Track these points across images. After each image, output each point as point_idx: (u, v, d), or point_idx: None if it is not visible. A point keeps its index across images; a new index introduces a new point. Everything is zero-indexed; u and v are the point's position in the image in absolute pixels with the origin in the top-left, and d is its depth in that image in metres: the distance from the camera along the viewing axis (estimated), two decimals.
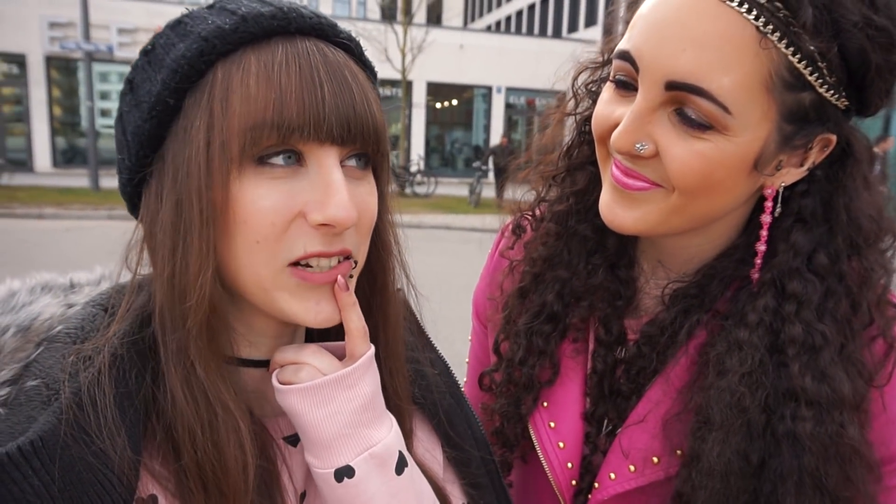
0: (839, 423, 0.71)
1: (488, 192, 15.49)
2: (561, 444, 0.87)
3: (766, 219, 0.77)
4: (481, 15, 42.21)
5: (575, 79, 0.94)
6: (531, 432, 0.90)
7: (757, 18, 0.65)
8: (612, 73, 0.78)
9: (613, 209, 0.78)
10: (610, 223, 0.79)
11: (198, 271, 0.56)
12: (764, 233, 0.77)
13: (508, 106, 22.66)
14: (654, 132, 0.71)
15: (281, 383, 0.63)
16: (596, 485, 0.84)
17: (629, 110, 0.72)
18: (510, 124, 22.86)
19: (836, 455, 0.71)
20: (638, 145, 0.72)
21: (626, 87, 0.75)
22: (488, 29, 38.18)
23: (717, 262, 0.82)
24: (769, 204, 0.76)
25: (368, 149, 0.61)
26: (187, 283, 0.56)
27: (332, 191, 0.57)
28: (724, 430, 0.74)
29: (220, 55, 0.57)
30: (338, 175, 0.58)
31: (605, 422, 0.87)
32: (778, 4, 0.65)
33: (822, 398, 0.71)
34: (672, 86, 0.68)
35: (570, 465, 0.87)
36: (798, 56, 0.66)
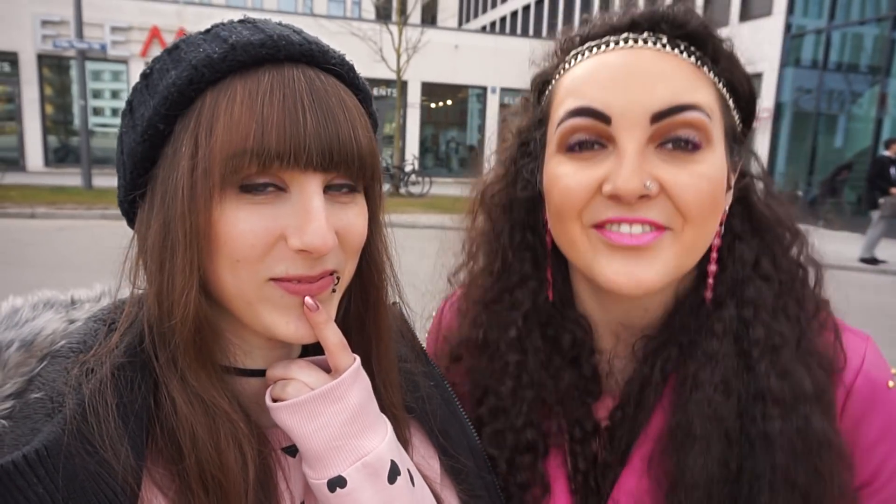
0: (804, 417, 0.73)
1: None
2: None
3: (716, 241, 0.80)
4: (476, 15, 42.26)
5: (482, 198, 0.92)
6: None
7: (689, 56, 0.75)
8: (558, 144, 0.76)
9: (632, 274, 0.73)
10: (633, 290, 0.73)
11: (182, 289, 0.57)
12: (714, 254, 0.81)
13: (503, 106, 22.67)
14: (653, 170, 0.72)
15: (273, 399, 0.64)
16: None
17: (620, 157, 0.71)
18: (504, 125, 22.85)
19: (804, 449, 0.72)
20: (647, 183, 0.71)
21: (589, 147, 0.74)
22: (483, 29, 38.22)
23: (678, 299, 0.84)
24: (720, 228, 0.80)
25: (353, 175, 0.62)
26: (173, 300, 0.58)
27: (310, 218, 0.58)
28: (704, 441, 0.75)
29: (210, 83, 0.58)
30: (317, 202, 0.59)
31: None
32: (692, 48, 0.76)
33: (785, 395, 0.74)
34: (658, 116, 0.71)
35: None
36: (721, 83, 0.77)
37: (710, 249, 0.80)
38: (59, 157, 18.93)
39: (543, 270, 0.89)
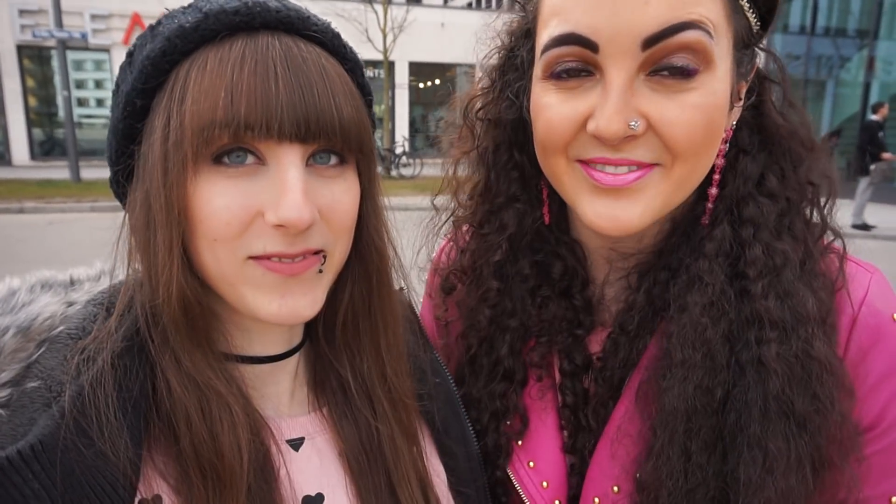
0: (804, 340, 0.69)
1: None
2: (544, 484, 0.83)
3: (719, 162, 0.74)
4: None
5: (466, 112, 0.87)
6: (512, 478, 0.85)
7: None
8: (543, 70, 0.71)
9: (613, 215, 0.70)
10: (613, 230, 0.70)
11: (163, 267, 0.56)
12: (717, 176, 0.75)
13: None
14: (641, 105, 0.66)
15: None
16: None
17: (606, 91, 0.66)
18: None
19: (802, 374, 0.68)
20: (632, 123, 0.65)
21: (576, 74, 0.68)
22: (469, 6, 37.73)
23: (675, 223, 0.79)
24: (724, 147, 0.73)
25: (336, 145, 0.59)
26: (158, 278, 0.57)
27: (285, 190, 0.56)
28: (685, 367, 0.71)
29: (183, 54, 0.57)
30: (293, 174, 0.56)
31: (586, 450, 0.83)
32: None
33: (786, 317, 0.70)
34: (650, 41, 0.63)
35: (557, 502, 0.83)
36: None
37: (712, 171, 0.74)
38: (45, 149, 18.67)
39: (532, 191, 0.85)
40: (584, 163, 0.70)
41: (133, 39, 0.63)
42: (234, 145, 0.56)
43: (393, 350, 0.71)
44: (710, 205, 0.76)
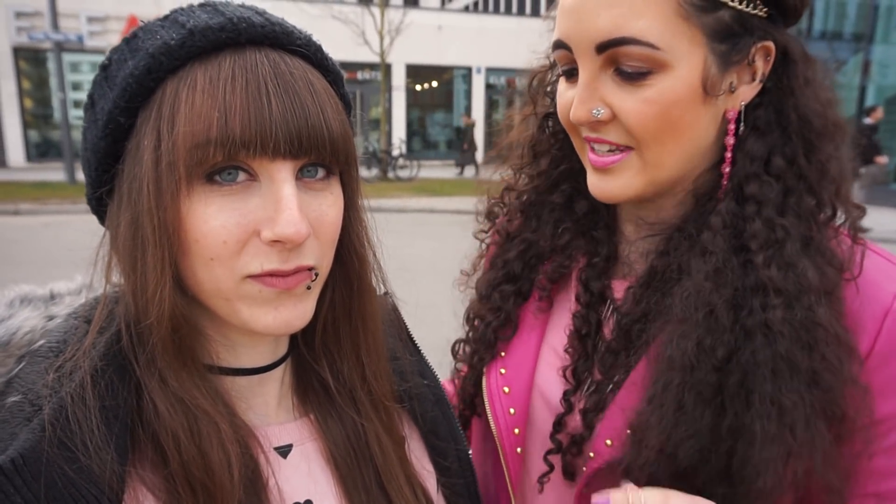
0: (807, 308, 0.72)
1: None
2: (506, 389, 0.89)
3: (729, 140, 0.79)
4: None
5: (530, 84, 1.00)
6: (482, 382, 0.91)
7: None
8: (559, 69, 0.84)
9: (599, 185, 0.83)
10: (602, 198, 0.84)
11: (155, 288, 0.56)
12: (728, 154, 0.80)
13: (489, 86, 22.54)
14: (605, 96, 0.76)
15: None
16: (591, 454, 0.82)
17: (578, 85, 0.78)
18: (491, 104, 22.77)
19: (808, 338, 0.71)
20: (594, 111, 0.77)
21: (572, 73, 0.81)
22: (466, 9, 37.78)
23: (695, 196, 0.83)
24: (732, 126, 0.79)
25: (325, 159, 0.60)
26: (147, 298, 0.56)
27: (281, 206, 0.56)
28: (685, 324, 0.75)
29: (169, 71, 0.56)
30: (288, 190, 0.56)
31: (590, 382, 0.86)
32: None
33: (789, 286, 0.73)
34: (601, 47, 0.74)
35: (517, 430, 0.88)
36: None
37: (725, 148, 0.80)
38: (40, 151, 18.63)
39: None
40: (587, 140, 0.82)
41: None
42: (227, 163, 0.56)
43: (372, 353, 0.72)
44: (724, 182, 0.81)
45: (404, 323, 0.86)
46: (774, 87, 0.79)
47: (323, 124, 0.58)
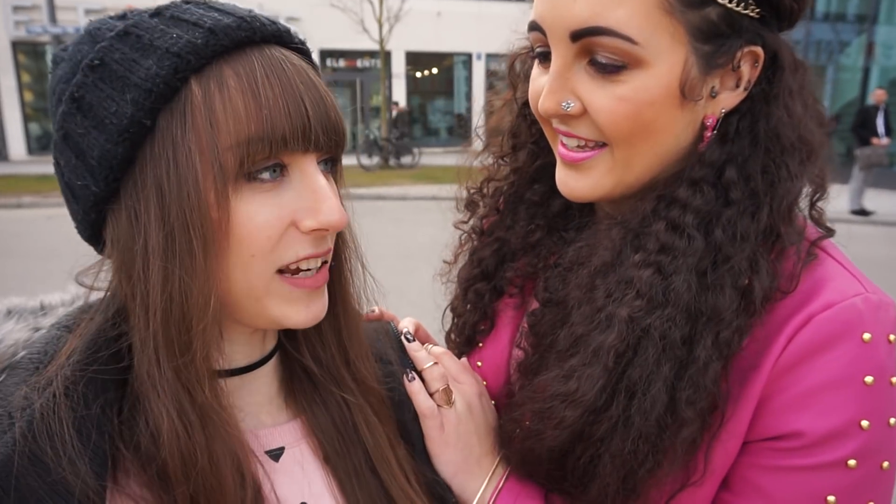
0: (666, 320, 0.69)
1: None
2: (483, 383, 0.90)
3: (702, 147, 0.74)
4: None
5: (511, 67, 0.96)
6: None
7: None
8: (533, 49, 0.78)
9: (567, 182, 0.79)
10: (568, 195, 0.80)
11: (206, 294, 0.55)
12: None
13: (490, 72, 22.37)
14: (576, 88, 0.72)
15: None
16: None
17: (549, 73, 0.74)
18: (492, 91, 22.59)
19: (639, 344, 0.70)
20: (564, 104, 0.73)
21: (545, 57, 0.75)
22: None
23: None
24: (708, 134, 0.74)
25: (338, 153, 0.63)
26: (190, 308, 0.55)
27: (321, 197, 0.59)
28: (563, 307, 0.78)
29: (193, 71, 0.56)
30: (323, 181, 0.60)
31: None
32: None
33: (654, 293, 0.70)
34: (575, 35, 0.69)
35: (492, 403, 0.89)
36: None
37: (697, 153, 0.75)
38: (41, 144, 18.60)
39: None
40: (557, 132, 0.78)
41: None
42: (268, 160, 0.57)
43: (354, 337, 0.73)
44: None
45: (398, 334, 0.87)
46: (759, 96, 0.73)
47: (338, 119, 0.61)
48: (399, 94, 21.28)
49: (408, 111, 19.08)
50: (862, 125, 10.07)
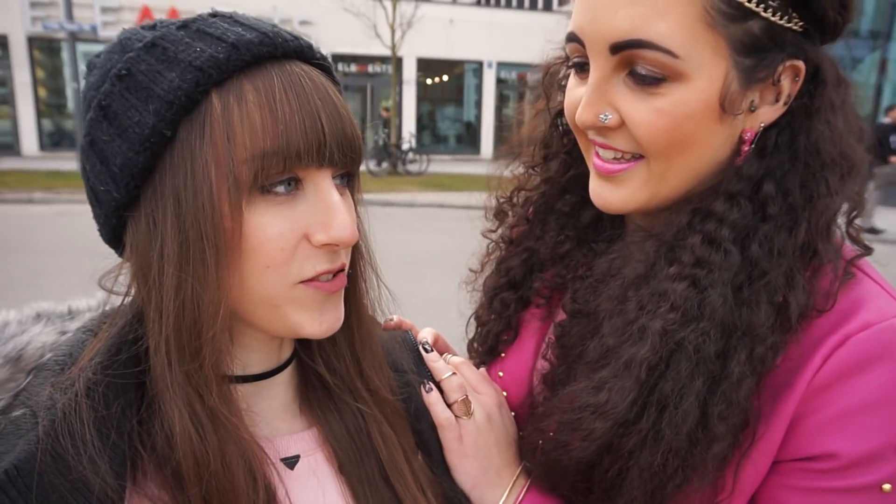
0: (696, 332, 0.69)
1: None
2: (504, 394, 0.90)
3: (739, 161, 0.74)
4: None
5: (544, 77, 0.96)
6: None
7: None
8: (570, 61, 0.79)
9: (602, 194, 0.79)
10: (602, 207, 0.80)
11: (216, 303, 0.56)
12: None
13: (500, 81, 22.44)
14: (615, 100, 0.72)
15: None
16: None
17: (587, 85, 0.73)
18: (501, 99, 22.67)
19: (672, 357, 0.70)
20: (601, 116, 0.72)
21: (583, 68, 0.75)
22: (478, 3, 37.57)
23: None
24: (746, 148, 0.73)
25: (353, 168, 0.64)
26: (201, 315, 0.56)
27: (333, 212, 0.59)
28: (594, 319, 0.77)
29: (214, 84, 0.57)
30: (336, 196, 0.60)
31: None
32: None
33: (689, 306, 0.69)
34: (616, 48, 0.69)
35: (513, 414, 0.88)
36: None
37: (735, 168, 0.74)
38: (54, 140, 18.76)
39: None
40: (593, 143, 0.78)
41: None
42: (283, 174, 0.58)
43: (367, 347, 0.73)
44: None
45: (415, 343, 0.87)
46: (799, 110, 0.72)
47: (354, 134, 0.62)
48: (409, 100, 21.35)
49: (392, 118, 18.83)
50: (878, 143, 10.03)
